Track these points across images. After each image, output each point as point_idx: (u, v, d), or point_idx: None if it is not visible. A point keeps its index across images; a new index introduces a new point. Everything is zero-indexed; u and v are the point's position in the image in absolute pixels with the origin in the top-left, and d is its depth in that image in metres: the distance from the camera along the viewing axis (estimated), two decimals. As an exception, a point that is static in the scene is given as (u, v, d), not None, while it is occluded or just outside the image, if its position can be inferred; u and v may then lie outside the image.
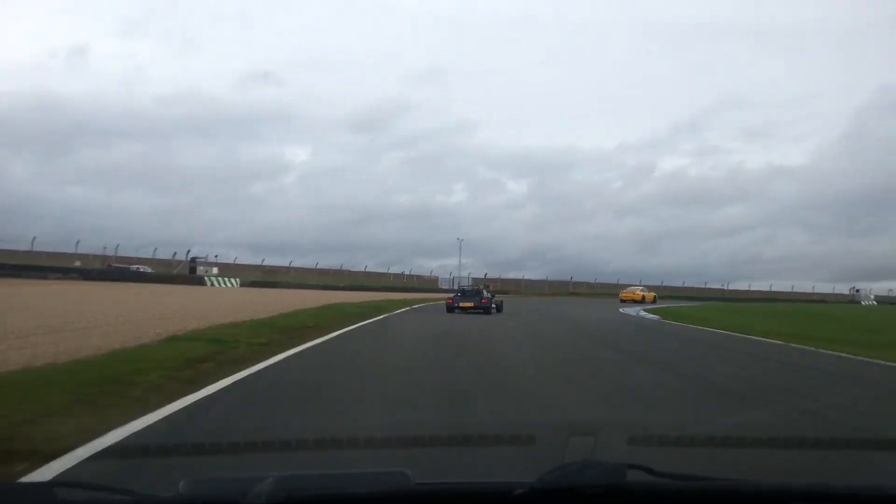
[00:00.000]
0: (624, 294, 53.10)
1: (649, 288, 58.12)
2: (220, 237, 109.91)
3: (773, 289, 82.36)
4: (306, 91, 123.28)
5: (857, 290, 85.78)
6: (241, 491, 1.54)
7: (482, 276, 62.78)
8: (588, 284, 77.70)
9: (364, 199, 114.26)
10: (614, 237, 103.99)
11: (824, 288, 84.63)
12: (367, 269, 73.63)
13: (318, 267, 69.53)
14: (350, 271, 71.90)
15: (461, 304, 26.16)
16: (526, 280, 77.48)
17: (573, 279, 78.10)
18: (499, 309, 27.38)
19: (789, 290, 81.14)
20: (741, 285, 70.30)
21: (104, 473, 3.00)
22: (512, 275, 77.42)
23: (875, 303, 79.11)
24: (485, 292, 27.75)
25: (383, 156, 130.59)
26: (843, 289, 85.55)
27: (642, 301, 50.16)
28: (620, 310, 34.92)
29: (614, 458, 2.20)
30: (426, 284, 71.27)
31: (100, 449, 3.74)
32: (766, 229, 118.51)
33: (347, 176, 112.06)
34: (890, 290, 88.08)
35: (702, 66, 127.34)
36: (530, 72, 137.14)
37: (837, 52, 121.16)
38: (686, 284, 71.63)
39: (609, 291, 66.14)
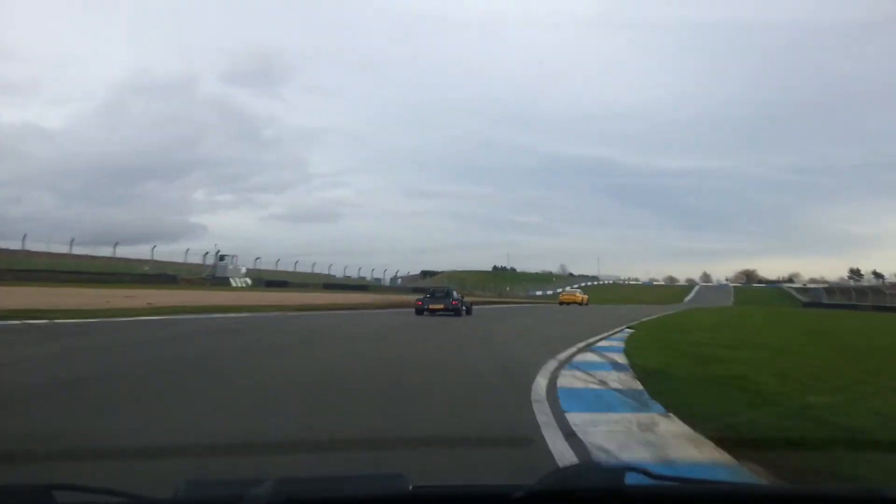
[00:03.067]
0: (564, 296, 51.29)
1: None
2: None
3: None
4: None
5: (223, 258, 61.90)
6: (239, 493, 1.50)
7: None
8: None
9: None
10: None
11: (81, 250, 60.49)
12: None
13: None
14: None
15: (430, 307, 24.42)
16: None
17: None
18: (468, 311, 25.78)
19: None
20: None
21: (102, 475, 3.12)
22: None
23: (249, 281, 61.48)
24: (455, 293, 25.98)
25: None
26: (132, 253, 63.15)
27: (581, 303, 48.63)
28: None
29: (612, 460, 2.14)
30: None
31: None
32: (13, 188, 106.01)
33: None
34: (258, 258, 69.63)
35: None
36: None
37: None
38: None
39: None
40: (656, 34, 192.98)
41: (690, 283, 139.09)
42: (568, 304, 48.01)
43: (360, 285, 78.77)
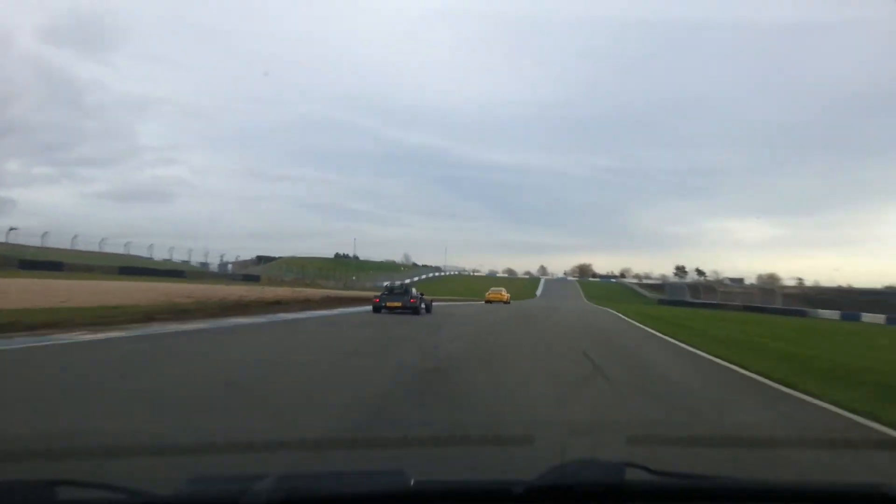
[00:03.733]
0: (491, 294, 49.21)
1: None
2: None
3: None
4: None
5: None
6: (241, 489, 1.51)
7: None
8: None
9: None
10: None
11: None
12: None
13: None
14: None
15: (388, 304, 23.89)
16: None
17: None
18: (428, 309, 25.12)
19: None
20: None
21: (104, 472, 3.07)
22: None
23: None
24: (413, 291, 25.35)
25: None
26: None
27: (506, 302, 47.57)
28: None
29: (613, 456, 2.05)
30: None
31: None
32: None
33: None
34: (12, 229, 56.63)
35: None
36: None
37: None
38: None
39: None
40: (498, 30, 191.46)
41: (531, 276, 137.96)
42: (493, 302, 46.74)
43: (174, 270, 63.00)
